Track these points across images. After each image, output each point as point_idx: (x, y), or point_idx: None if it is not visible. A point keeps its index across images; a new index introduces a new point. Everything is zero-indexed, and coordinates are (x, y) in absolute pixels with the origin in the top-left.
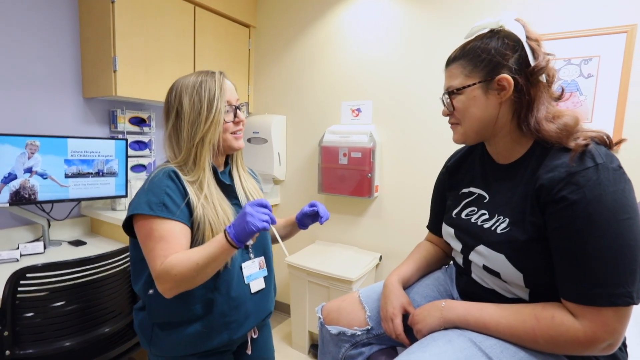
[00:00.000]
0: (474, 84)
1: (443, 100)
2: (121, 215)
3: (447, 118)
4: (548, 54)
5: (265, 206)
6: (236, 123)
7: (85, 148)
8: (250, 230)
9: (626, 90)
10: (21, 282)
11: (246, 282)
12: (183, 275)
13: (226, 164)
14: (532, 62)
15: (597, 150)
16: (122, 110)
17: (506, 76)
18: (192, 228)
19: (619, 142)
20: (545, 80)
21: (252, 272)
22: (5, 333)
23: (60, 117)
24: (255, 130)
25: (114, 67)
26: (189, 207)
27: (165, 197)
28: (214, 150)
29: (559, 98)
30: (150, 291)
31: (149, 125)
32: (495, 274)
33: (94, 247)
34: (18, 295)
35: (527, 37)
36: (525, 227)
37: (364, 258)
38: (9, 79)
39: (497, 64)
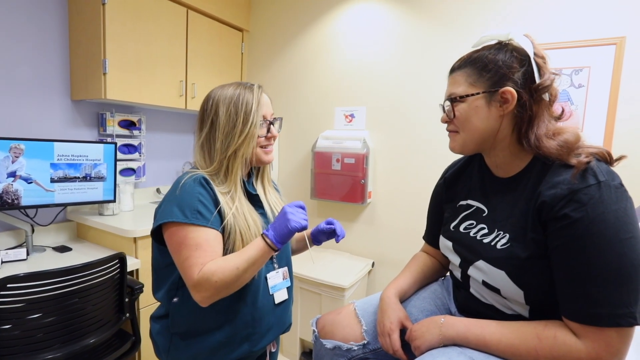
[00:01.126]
0: (478, 93)
1: (443, 107)
2: (108, 221)
3: (444, 125)
4: (554, 73)
5: (302, 207)
6: (268, 138)
7: (72, 152)
8: (292, 229)
9: (616, 100)
10: (1, 292)
11: (271, 293)
12: (224, 282)
13: (250, 173)
14: (537, 79)
15: (599, 168)
16: (111, 113)
17: (510, 89)
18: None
19: (619, 158)
20: (547, 99)
21: (277, 282)
22: None
23: (47, 119)
24: None
25: (103, 69)
26: (220, 215)
27: (198, 204)
28: (245, 163)
29: (559, 118)
30: (175, 299)
31: (139, 129)
32: (495, 290)
33: (80, 254)
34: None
35: (535, 54)
36: (527, 243)
37: (357, 264)
38: None
39: (503, 76)
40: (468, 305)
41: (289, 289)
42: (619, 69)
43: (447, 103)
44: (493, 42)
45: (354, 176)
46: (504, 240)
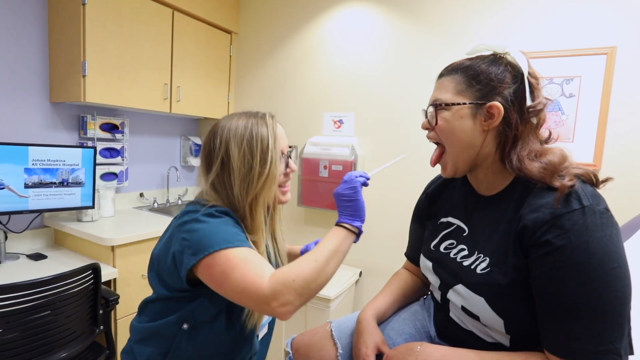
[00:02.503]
0: (464, 103)
1: (426, 112)
2: (86, 227)
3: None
4: (547, 98)
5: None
6: (287, 174)
7: (48, 156)
8: (357, 191)
9: (607, 109)
10: None
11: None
12: (304, 279)
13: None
14: (528, 99)
15: (584, 191)
16: (92, 116)
17: (498, 105)
18: None
19: (605, 180)
20: (535, 122)
21: (262, 321)
22: None
23: (24, 122)
24: None
25: (83, 71)
26: None
27: (238, 231)
28: (266, 207)
29: (545, 141)
30: (185, 325)
31: (122, 132)
32: (475, 317)
33: (55, 262)
34: None
35: (529, 73)
36: (507, 269)
37: (344, 274)
38: None
39: (493, 89)
40: (447, 330)
41: (271, 322)
42: (609, 79)
43: (431, 109)
44: (488, 53)
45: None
46: (483, 265)
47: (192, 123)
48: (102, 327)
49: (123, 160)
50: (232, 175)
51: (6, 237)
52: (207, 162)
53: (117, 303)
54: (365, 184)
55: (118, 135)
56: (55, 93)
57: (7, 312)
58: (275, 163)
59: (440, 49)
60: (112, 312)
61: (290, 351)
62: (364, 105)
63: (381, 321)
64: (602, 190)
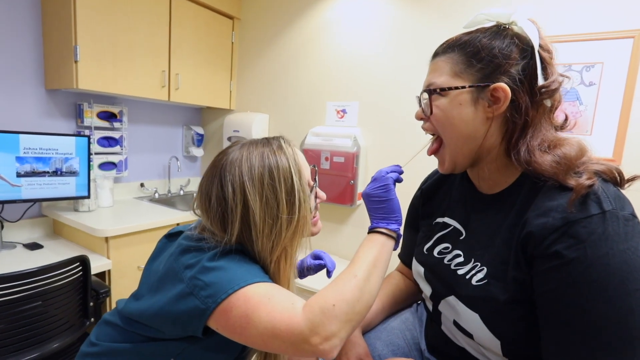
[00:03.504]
0: (463, 87)
1: (420, 100)
2: (82, 218)
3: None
4: (562, 75)
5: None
6: (317, 207)
7: (40, 145)
8: (389, 189)
9: (630, 100)
10: None
11: None
12: (347, 301)
13: None
14: (540, 77)
15: (605, 192)
16: (89, 104)
17: (504, 86)
18: None
19: (633, 178)
20: (549, 105)
21: None
22: None
23: (18, 110)
24: (235, 129)
25: (75, 57)
26: None
27: (254, 266)
28: None
29: (560, 127)
30: None
31: (120, 121)
32: (468, 335)
33: (50, 252)
34: None
35: (541, 46)
36: (507, 283)
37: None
38: None
39: (497, 67)
40: (438, 344)
41: None
42: (635, 65)
43: (425, 95)
44: (491, 24)
45: (343, 176)
46: (480, 275)
47: (194, 112)
48: (92, 319)
49: (122, 149)
50: (253, 231)
51: (2, 226)
52: (221, 218)
53: (108, 296)
54: (398, 180)
55: (116, 124)
56: (50, 80)
57: (8, 301)
58: (306, 204)
59: (448, 33)
60: (105, 304)
61: None
62: (368, 94)
63: (367, 329)
64: (626, 192)
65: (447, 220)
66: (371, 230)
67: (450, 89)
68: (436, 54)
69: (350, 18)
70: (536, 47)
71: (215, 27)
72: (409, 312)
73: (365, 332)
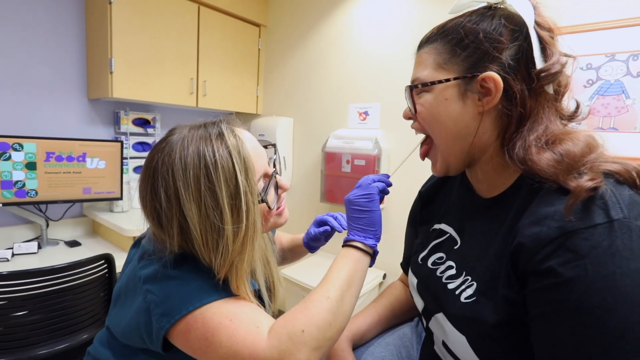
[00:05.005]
0: (448, 79)
1: (406, 97)
2: (114, 218)
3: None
4: (566, 55)
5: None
6: (280, 196)
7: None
8: (373, 199)
9: None
10: None
11: None
12: (318, 327)
13: None
14: (538, 61)
15: (615, 197)
16: (125, 112)
17: (493, 75)
18: None
19: None
20: (552, 91)
21: None
22: None
23: (65, 118)
24: (260, 132)
25: (110, 68)
26: None
27: (213, 283)
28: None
29: (571, 117)
30: None
31: (154, 127)
32: (456, 358)
33: (86, 249)
34: None
35: (537, 24)
36: (497, 302)
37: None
38: (16, 81)
39: (485, 54)
40: None
41: None
42: None
43: (408, 92)
44: (480, 6)
45: None
46: (469, 292)
47: (231, 117)
48: None
49: None
50: (195, 243)
51: (47, 225)
52: (159, 226)
53: None
54: (384, 191)
55: (150, 130)
56: (91, 90)
57: (29, 296)
58: (254, 208)
59: None
60: None
61: None
62: (390, 95)
63: (360, 343)
64: None
65: (443, 227)
66: (346, 243)
67: (433, 83)
68: (420, 46)
69: (371, 18)
70: (530, 26)
71: (243, 34)
72: (408, 326)
73: (358, 346)
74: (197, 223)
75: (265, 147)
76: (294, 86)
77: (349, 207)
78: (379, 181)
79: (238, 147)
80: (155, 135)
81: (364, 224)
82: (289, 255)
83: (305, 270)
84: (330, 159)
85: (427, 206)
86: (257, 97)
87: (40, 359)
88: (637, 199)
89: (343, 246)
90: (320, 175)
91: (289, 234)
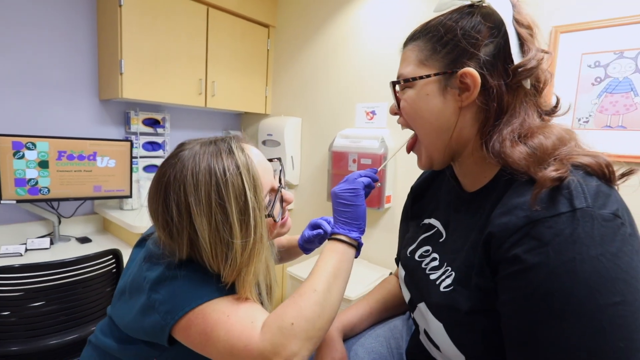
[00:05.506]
0: (428, 75)
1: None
2: (123, 215)
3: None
4: (544, 51)
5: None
6: (284, 208)
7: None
8: (358, 194)
9: None
10: None
11: None
12: (306, 318)
13: None
14: (515, 55)
15: (581, 187)
16: (135, 112)
17: (471, 71)
18: None
19: (628, 173)
20: (530, 86)
21: None
22: None
23: (77, 118)
24: (269, 132)
25: (120, 69)
26: None
27: (213, 282)
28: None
29: (551, 112)
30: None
31: (163, 127)
32: (436, 346)
33: (97, 245)
34: None
35: (516, 21)
36: (471, 291)
37: (371, 274)
38: (30, 82)
39: (463, 52)
40: (414, 355)
41: None
42: None
43: (397, 88)
44: (464, 4)
45: None
46: (448, 281)
47: (234, 118)
48: None
49: (165, 153)
50: (204, 254)
51: (59, 222)
52: (169, 237)
53: None
54: (370, 186)
55: (160, 130)
56: (102, 91)
57: (42, 288)
58: (261, 223)
59: None
60: None
61: None
62: None
63: (351, 335)
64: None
65: (432, 221)
66: (331, 237)
67: (414, 79)
68: (405, 43)
69: (377, 18)
70: (507, 24)
71: (251, 35)
72: (400, 319)
73: (349, 337)
74: (207, 236)
75: (271, 160)
76: (302, 86)
77: (335, 200)
78: (365, 176)
79: (247, 165)
80: (165, 135)
81: (348, 217)
82: (285, 255)
83: (310, 268)
84: (337, 158)
85: (418, 201)
86: (266, 97)
87: (51, 348)
88: (604, 190)
89: (329, 239)
90: (328, 175)
91: (287, 235)
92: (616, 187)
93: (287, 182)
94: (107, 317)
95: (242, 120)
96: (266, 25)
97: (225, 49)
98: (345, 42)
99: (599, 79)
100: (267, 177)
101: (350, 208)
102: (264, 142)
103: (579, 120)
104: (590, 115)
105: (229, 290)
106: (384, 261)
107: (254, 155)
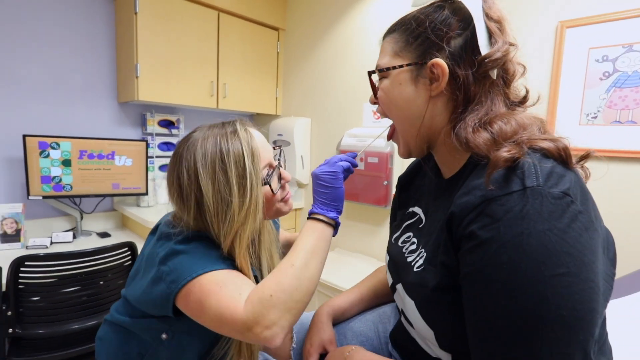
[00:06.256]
0: (401, 66)
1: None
2: (140, 212)
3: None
4: (510, 44)
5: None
6: (283, 186)
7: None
8: (336, 177)
9: None
10: (21, 269)
11: None
12: (284, 290)
13: None
14: (482, 47)
15: (534, 167)
16: (151, 114)
17: (440, 62)
18: None
19: (585, 157)
20: (498, 77)
21: None
22: (9, 313)
23: (97, 119)
24: (279, 133)
25: (136, 73)
26: None
27: (215, 253)
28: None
29: (521, 102)
30: (164, 335)
31: (177, 128)
32: (411, 325)
33: (115, 240)
34: (21, 281)
35: (486, 15)
36: (438, 268)
37: (364, 266)
38: (54, 87)
39: (433, 44)
40: (397, 336)
41: None
42: None
43: (373, 78)
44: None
45: (377, 177)
46: (420, 261)
47: (246, 118)
48: None
49: None
50: (208, 214)
51: (82, 217)
52: (179, 201)
53: None
54: (349, 170)
55: (174, 131)
56: (120, 94)
57: (67, 276)
58: (257, 188)
59: None
60: None
61: None
62: None
63: (341, 320)
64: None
65: (415, 209)
66: (311, 216)
67: (388, 69)
68: (384, 36)
69: (384, 18)
70: (477, 17)
71: (261, 38)
72: (390, 306)
73: (340, 322)
74: (210, 196)
75: (274, 147)
76: (311, 87)
77: (315, 181)
78: (345, 161)
79: (247, 139)
80: (179, 136)
81: (327, 198)
82: (287, 251)
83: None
84: None
85: (405, 191)
86: (277, 98)
87: (73, 332)
88: (558, 171)
89: (308, 218)
90: None
91: (290, 233)
92: (582, 172)
93: (298, 181)
94: (122, 298)
95: (254, 121)
96: (276, 29)
97: (236, 51)
98: (353, 43)
99: (607, 74)
100: (265, 153)
101: (329, 190)
102: (274, 142)
103: (587, 115)
104: (598, 111)
105: (228, 264)
106: (381, 254)
107: (256, 135)
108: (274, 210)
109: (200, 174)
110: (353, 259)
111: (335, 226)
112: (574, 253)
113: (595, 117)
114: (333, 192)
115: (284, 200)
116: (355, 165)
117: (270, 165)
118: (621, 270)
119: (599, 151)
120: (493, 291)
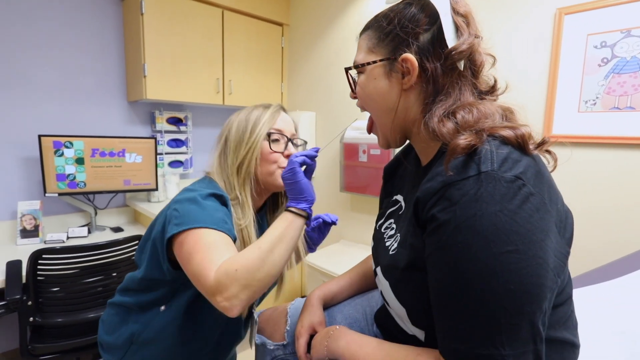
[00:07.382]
0: (374, 61)
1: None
2: (150, 207)
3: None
4: (476, 36)
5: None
6: (287, 156)
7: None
8: (296, 172)
9: None
10: (39, 261)
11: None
12: (247, 268)
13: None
14: (449, 40)
15: (490, 153)
16: (160, 112)
17: (409, 57)
18: None
19: (541, 144)
20: (465, 68)
21: None
22: (29, 303)
23: (108, 118)
24: None
25: (144, 73)
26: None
27: (226, 218)
28: (258, 187)
29: (490, 92)
30: (162, 307)
31: (185, 125)
32: (388, 304)
33: (128, 234)
34: (39, 272)
35: (454, 10)
36: (408, 250)
37: (360, 253)
38: (67, 88)
39: (403, 40)
40: (380, 317)
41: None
42: None
43: (351, 75)
44: None
45: (379, 168)
46: (395, 245)
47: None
48: None
49: (188, 149)
50: (228, 147)
51: (96, 213)
52: (217, 141)
53: None
54: (305, 163)
55: (182, 128)
56: (129, 93)
57: (84, 267)
58: (260, 134)
59: (492, 20)
60: None
61: (257, 322)
62: None
63: (331, 303)
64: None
65: (398, 197)
66: (286, 208)
67: (363, 65)
68: (360, 33)
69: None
70: (442, 13)
71: (266, 34)
72: (378, 290)
73: (330, 305)
74: (233, 134)
75: (298, 144)
76: (316, 81)
77: (283, 182)
78: (301, 155)
79: (273, 110)
80: (187, 133)
81: (294, 192)
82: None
83: (326, 257)
84: (348, 149)
85: (390, 180)
86: (282, 93)
87: (88, 321)
88: (514, 156)
89: (284, 211)
90: (340, 166)
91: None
92: (550, 157)
93: None
94: (125, 279)
95: None
96: (280, 24)
97: (241, 48)
98: (356, 37)
99: (605, 60)
100: (283, 124)
101: (293, 185)
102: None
103: (586, 102)
104: (597, 98)
105: (227, 229)
106: None
107: (282, 114)
108: (267, 169)
109: (234, 121)
110: (357, 249)
111: (307, 217)
112: (523, 232)
113: (594, 104)
114: (296, 185)
115: (278, 165)
116: (312, 157)
117: (281, 133)
118: (620, 252)
119: (598, 138)
120: (447, 270)
